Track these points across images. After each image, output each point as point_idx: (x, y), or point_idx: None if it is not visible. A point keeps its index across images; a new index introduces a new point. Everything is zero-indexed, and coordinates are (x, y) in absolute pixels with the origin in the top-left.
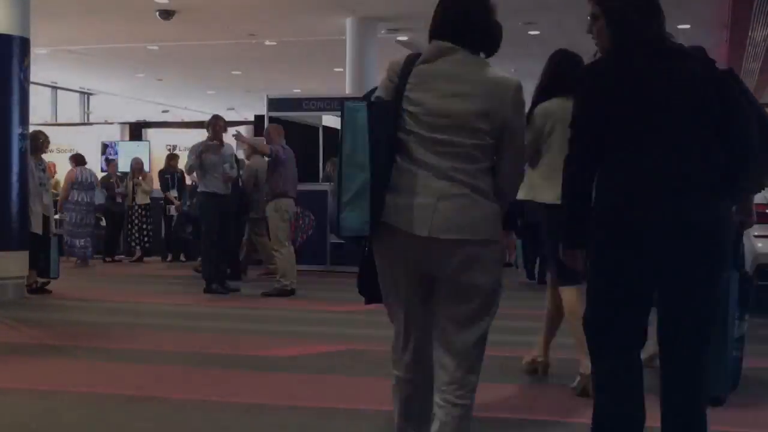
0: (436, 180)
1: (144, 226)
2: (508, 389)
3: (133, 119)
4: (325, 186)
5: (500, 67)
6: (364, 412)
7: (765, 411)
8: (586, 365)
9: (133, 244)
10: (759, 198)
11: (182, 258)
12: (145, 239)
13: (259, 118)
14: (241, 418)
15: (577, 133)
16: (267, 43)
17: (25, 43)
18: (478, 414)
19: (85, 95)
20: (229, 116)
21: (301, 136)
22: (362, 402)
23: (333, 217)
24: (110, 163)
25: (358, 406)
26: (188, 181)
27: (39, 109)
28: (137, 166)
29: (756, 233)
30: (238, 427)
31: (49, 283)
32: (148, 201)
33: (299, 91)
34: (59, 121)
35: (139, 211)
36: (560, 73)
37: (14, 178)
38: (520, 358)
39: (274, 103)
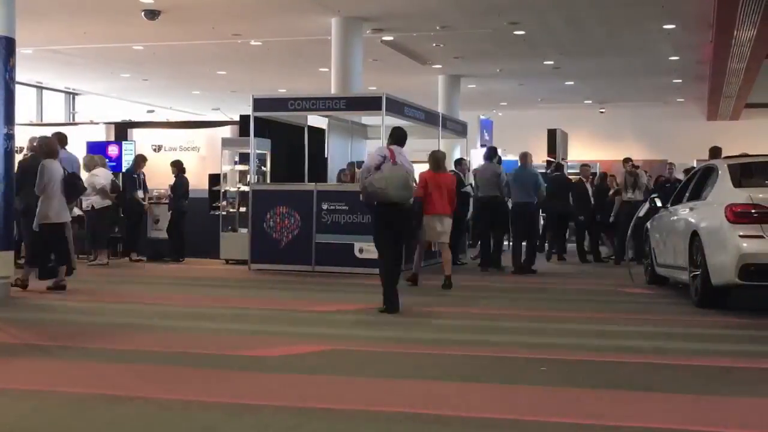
0: None
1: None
2: (502, 390)
3: (118, 119)
4: (310, 186)
5: (486, 68)
6: (348, 412)
7: (755, 409)
8: None
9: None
10: (744, 198)
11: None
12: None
13: (244, 118)
14: (225, 419)
15: None
16: (252, 43)
17: (10, 43)
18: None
19: (71, 95)
20: (214, 116)
21: (287, 136)
22: (346, 402)
23: None
24: None
25: (341, 406)
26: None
27: (24, 110)
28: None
29: (741, 233)
30: (221, 427)
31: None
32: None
33: (284, 90)
34: (44, 121)
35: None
36: None
37: None
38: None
39: (259, 103)
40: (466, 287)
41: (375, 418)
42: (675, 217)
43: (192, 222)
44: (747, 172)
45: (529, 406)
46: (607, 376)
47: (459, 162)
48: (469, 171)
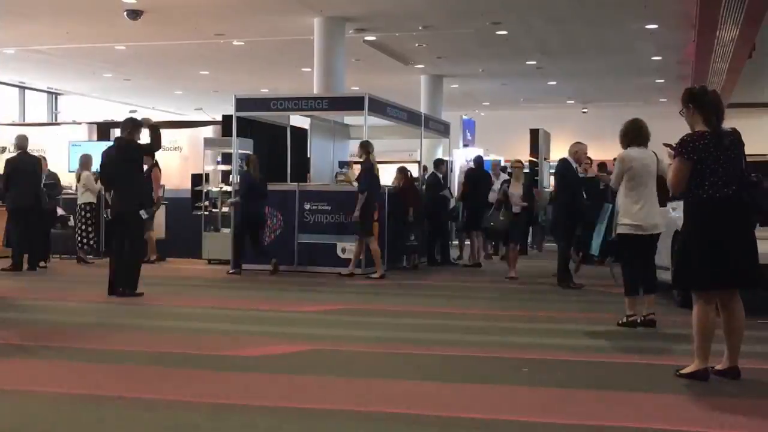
0: None
1: (85, 227)
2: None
3: (100, 119)
4: (293, 186)
5: (469, 68)
6: (331, 411)
7: (741, 409)
8: None
9: (80, 244)
10: None
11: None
12: (89, 239)
13: (227, 118)
14: (209, 418)
15: None
16: (235, 43)
17: None
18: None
19: (53, 95)
20: (196, 116)
21: (269, 136)
22: (329, 402)
23: None
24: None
25: (324, 406)
26: None
27: (7, 109)
28: (86, 163)
29: None
30: (206, 427)
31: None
32: (93, 200)
33: (267, 90)
34: (27, 121)
35: (83, 210)
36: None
37: None
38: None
39: (241, 103)
40: (448, 288)
41: (357, 417)
42: None
43: (175, 222)
44: None
45: (512, 407)
46: (592, 376)
47: (440, 163)
48: (452, 172)
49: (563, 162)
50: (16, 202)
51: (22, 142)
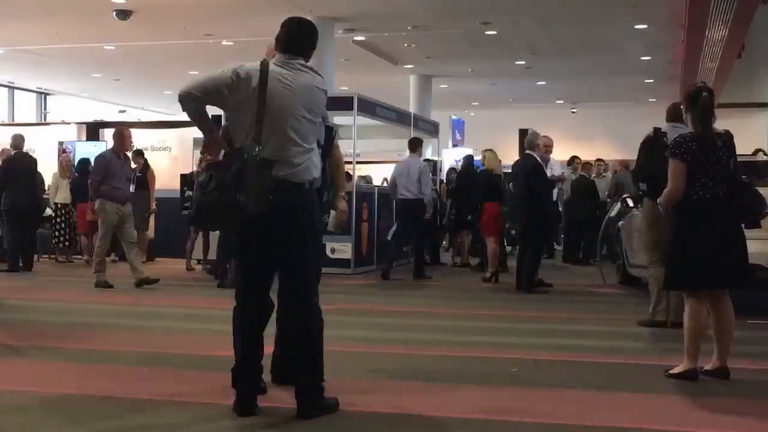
0: None
1: (62, 227)
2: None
3: (90, 119)
4: None
5: (458, 68)
6: None
7: (730, 409)
8: None
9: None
10: None
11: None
12: (64, 239)
13: (216, 118)
14: (198, 419)
15: None
16: (224, 43)
17: None
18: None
19: (42, 95)
20: (186, 116)
21: None
22: None
23: None
24: None
25: None
26: None
27: None
28: (66, 163)
29: None
30: (195, 428)
31: None
32: (69, 201)
33: None
34: (16, 121)
35: (61, 210)
36: None
37: None
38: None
39: None
40: (438, 288)
41: (350, 417)
42: None
43: (163, 222)
44: None
45: (502, 407)
46: (581, 376)
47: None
48: (440, 171)
49: (528, 158)
50: (12, 203)
51: (18, 142)
